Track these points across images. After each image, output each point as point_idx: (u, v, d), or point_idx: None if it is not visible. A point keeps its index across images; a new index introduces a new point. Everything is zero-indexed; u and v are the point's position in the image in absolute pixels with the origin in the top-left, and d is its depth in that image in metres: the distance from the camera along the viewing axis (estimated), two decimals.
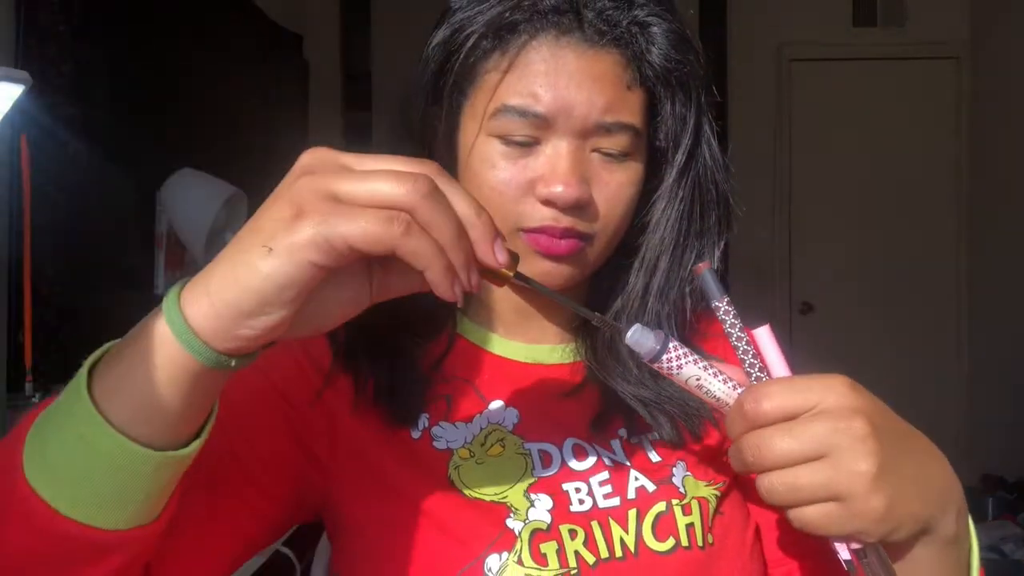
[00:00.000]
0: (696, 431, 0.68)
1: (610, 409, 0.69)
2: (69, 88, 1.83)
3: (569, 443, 0.67)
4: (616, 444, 0.68)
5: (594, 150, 0.64)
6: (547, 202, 0.63)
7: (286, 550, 1.51)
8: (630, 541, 0.62)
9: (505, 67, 0.63)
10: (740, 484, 0.70)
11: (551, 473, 0.65)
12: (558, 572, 0.60)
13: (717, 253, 0.71)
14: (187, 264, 1.97)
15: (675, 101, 0.66)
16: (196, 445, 0.47)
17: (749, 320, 0.54)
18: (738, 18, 4.42)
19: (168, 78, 2.34)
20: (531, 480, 0.64)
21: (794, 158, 4.46)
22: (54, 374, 1.70)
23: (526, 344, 0.72)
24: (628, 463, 0.67)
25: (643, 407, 0.68)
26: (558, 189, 0.62)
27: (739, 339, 0.53)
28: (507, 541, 0.61)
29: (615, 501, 0.64)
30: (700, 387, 0.52)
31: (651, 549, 0.62)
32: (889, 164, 4.35)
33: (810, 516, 0.48)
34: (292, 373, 0.66)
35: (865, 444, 0.48)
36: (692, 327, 0.73)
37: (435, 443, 0.65)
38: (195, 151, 2.18)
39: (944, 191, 4.39)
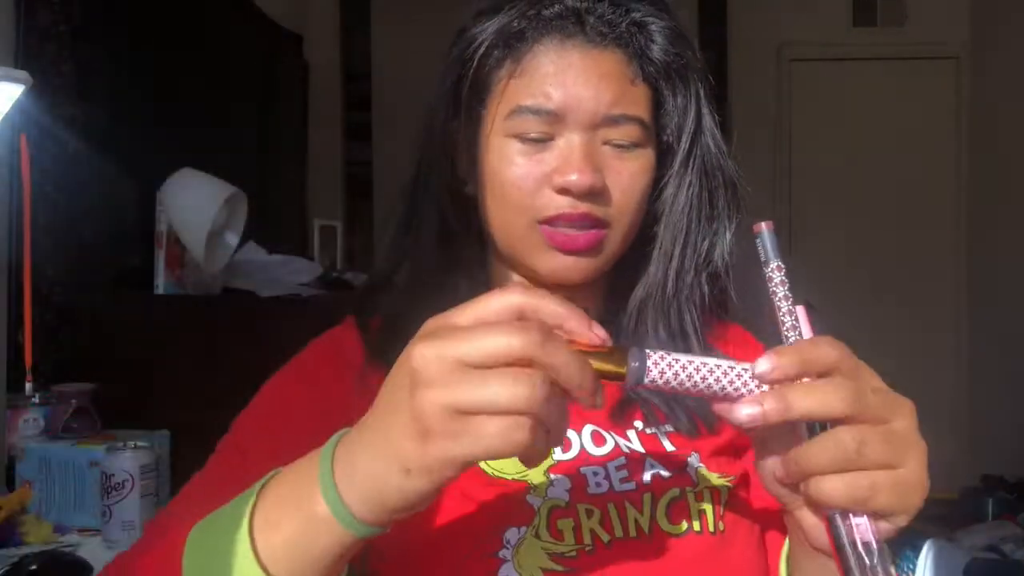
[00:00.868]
0: (711, 424, 0.70)
1: (629, 399, 0.71)
2: (69, 88, 1.83)
3: (588, 429, 0.69)
4: (632, 434, 0.70)
5: (605, 142, 0.68)
6: (563, 191, 0.66)
7: None
8: (644, 522, 0.64)
9: (517, 72, 0.68)
10: (752, 482, 0.71)
11: (570, 457, 0.67)
12: (574, 547, 0.63)
13: (729, 236, 0.74)
14: (187, 264, 1.96)
15: (676, 93, 0.71)
16: None
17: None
18: (738, 18, 4.42)
19: (168, 78, 2.34)
20: (551, 462, 0.66)
21: (794, 158, 4.46)
22: (54, 374, 1.70)
23: None
24: (644, 451, 0.69)
25: (661, 398, 0.70)
26: (573, 177, 0.65)
27: (783, 308, 0.51)
28: (527, 515, 0.63)
29: (631, 485, 0.66)
30: (706, 388, 0.49)
31: (664, 531, 0.64)
32: (889, 164, 4.35)
33: (885, 481, 0.46)
34: (336, 391, 0.69)
35: (915, 418, 0.48)
36: (710, 329, 0.75)
37: None
38: (195, 151, 2.18)
39: (944, 191, 4.39)
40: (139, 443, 1.36)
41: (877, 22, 4.39)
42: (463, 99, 0.71)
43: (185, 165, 1.95)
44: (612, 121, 0.67)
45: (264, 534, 0.49)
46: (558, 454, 0.67)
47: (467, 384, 0.43)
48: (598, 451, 0.68)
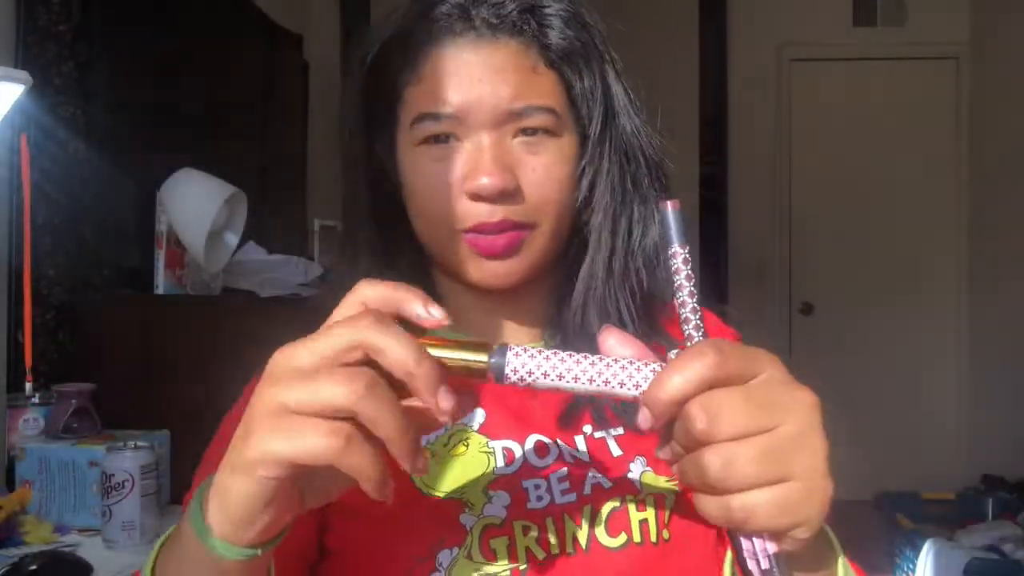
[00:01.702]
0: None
1: (578, 404, 0.69)
2: (69, 88, 1.83)
3: (532, 440, 0.67)
4: (580, 440, 0.68)
5: (515, 138, 0.66)
6: (476, 196, 0.65)
7: None
8: (582, 537, 0.63)
9: (414, 79, 0.67)
10: None
11: (512, 470, 0.66)
12: (507, 567, 0.61)
13: (659, 219, 0.70)
14: (187, 264, 1.96)
15: (582, 77, 0.68)
16: None
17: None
18: (738, 18, 4.42)
19: (168, 78, 2.34)
20: (492, 478, 0.65)
21: (794, 158, 4.46)
22: (54, 374, 1.70)
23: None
24: (588, 460, 0.67)
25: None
26: (483, 181, 0.64)
27: (689, 297, 0.46)
28: (459, 536, 0.62)
29: (571, 497, 0.65)
30: (585, 384, 0.44)
31: (602, 545, 0.63)
32: (889, 164, 4.35)
33: (758, 500, 0.41)
34: None
35: (815, 414, 0.42)
36: (670, 316, 0.72)
37: None
38: (195, 151, 2.18)
39: (944, 191, 4.39)
40: (139, 443, 1.36)
41: (877, 22, 4.39)
42: (371, 110, 0.70)
43: (185, 165, 1.95)
44: (517, 115, 0.65)
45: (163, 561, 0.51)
46: (501, 468, 0.66)
47: (295, 382, 0.42)
48: (540, 463, 0.66)
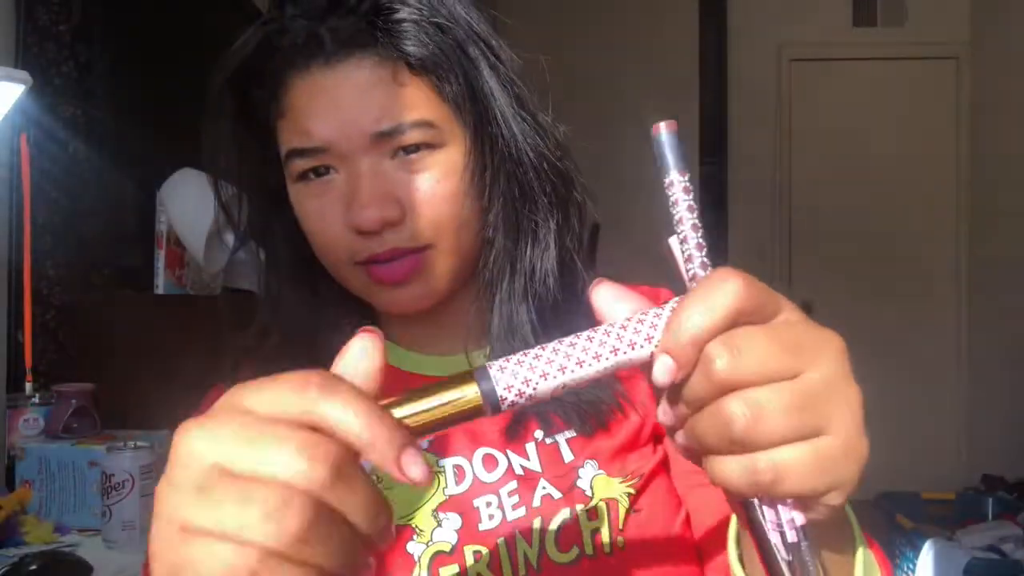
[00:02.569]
0: (602, 421, 0.64)
1: (525, 412, 0.65)
2: (69, 88, 1.83)
3: (480, 453, 0.64)
4: (531, 448, 0.65)
5: (394, 158, 0.62)
6: (358, 230, 0.61)
7: None
8: (533, 556, 0.60)
9: (278, 112, 0.63)
10: (666, 470, 0.65)
11: (463, 489, 0.63)
12: None
13: (568, 221, 0.67)
14: (187, 264, 1.96)
15: (450, 84, 0.62)
16: None
17: None
18: (738, 18, 4.43)
19: (168, 78, 2.34)
20: (441, 499, 0.62)
21: (794, 158, 4.46)
22: (54, 374, 1.70)
23: (439, 356, 0.70)
24: (538, 469, 0.64)
25: (558, 404, 0.64)
26: (363, 215, 0.60)
27: (692, 231, 0.39)
28: (407, 567, 0.59)
29: (522, 512, 0.62)
30: (593, 360, 0.37)
31: (554, 562, 0.60)
32: (889, 164, 4.35)
33: (789, 457, 0.34)
34: None
35: (846, 359, 0.36)
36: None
37: None
38: (195, 151, 2.17)
39: (944, 191, 4.39)
40: (139, 443, 1.36)
41: (877, 22, 4.39)
42: (247, 146, 0.67)
43: (185, 165, 1.95)
44: (388, 136, 0.60)
45: None
46: (451, 487, 0.63)
47: (203, 500, 0.31)
48: (489, 477, 0.63)
